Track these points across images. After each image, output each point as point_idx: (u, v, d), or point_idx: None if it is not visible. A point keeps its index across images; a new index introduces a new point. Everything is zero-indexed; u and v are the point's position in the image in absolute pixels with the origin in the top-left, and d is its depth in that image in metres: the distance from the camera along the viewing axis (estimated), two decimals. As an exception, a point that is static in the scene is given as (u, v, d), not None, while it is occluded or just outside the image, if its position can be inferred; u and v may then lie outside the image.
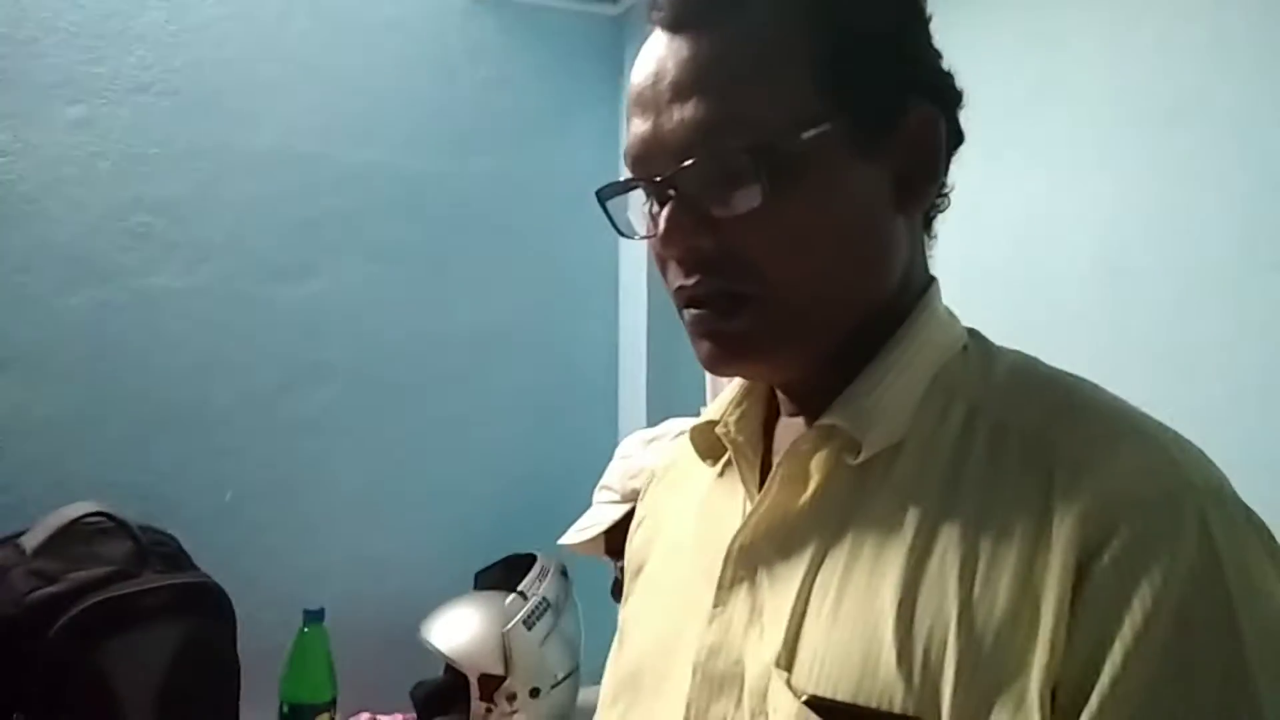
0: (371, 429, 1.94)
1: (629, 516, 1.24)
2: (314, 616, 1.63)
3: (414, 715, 1.76)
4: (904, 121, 0.58)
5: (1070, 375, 0.60)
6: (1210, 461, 0.54)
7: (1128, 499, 0.50)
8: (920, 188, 0.60)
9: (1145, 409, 0.58)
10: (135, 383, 1.77)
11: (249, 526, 1.81)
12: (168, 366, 1.80)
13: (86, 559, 1.35)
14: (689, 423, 1.35)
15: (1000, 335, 0.66)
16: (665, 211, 0.58)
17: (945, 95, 0.62)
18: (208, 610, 1.42)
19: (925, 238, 0.65)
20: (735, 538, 0.61)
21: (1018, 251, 1.40)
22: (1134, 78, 1.28)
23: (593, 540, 1.28)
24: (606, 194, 0.64)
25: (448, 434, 2.01)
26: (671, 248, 0.59)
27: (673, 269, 0.60)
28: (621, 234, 0.65)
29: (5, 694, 1.24)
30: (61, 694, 1.26)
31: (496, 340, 2.08)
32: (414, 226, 2.02)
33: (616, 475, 1.31)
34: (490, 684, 1.67)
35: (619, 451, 1.37)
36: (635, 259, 2.11)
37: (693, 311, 0.60)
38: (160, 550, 1.45)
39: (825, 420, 0.59)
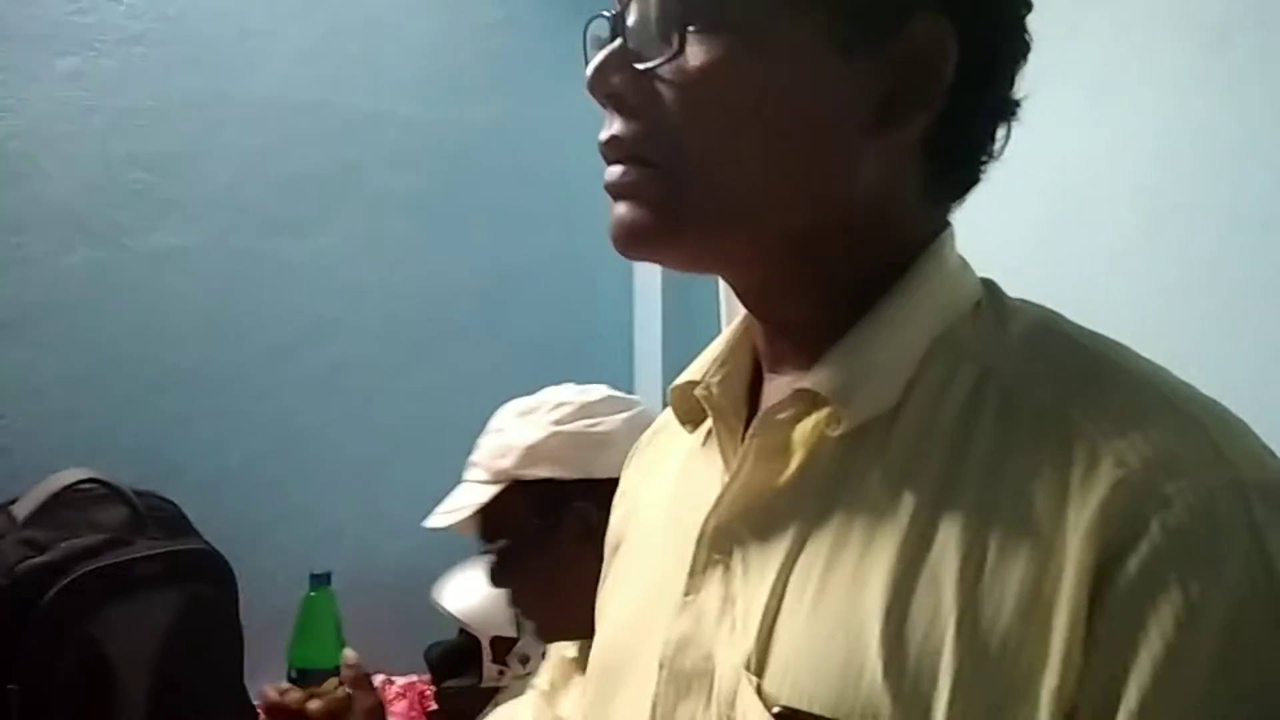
0: (379, 387, 1.90)
1: (499, 498, 1.13)
2: (320, 580, 1.58)
3: (428, 677, 1.74)
4: (903, 34, 0.49)
5: (1097, 335, 0.51)
6: (1262, 445, 0.46)
7: (1159, 491, 0.42)
8: (909, 114, 0.50)
9: (1184, 363, 0.49)
10: (136, 344, 1.73)
11: (255, 489, 1.77)
12: (169, 327, 1.76)
13: (80, 526, 1.32)
14: (568, 391, 1.20)
15: (1031, 285, 0.57)
16: (598, 56, 0.52)
17: (975, 13, 0.51)
18: (206, 577, 1.39)
19: (935, 178, 0.55)
20: (709, 516, 0.54)
21: (1051, 194, 1.30)
22: (1179, -6, 1.17)
23: (466, 521, 1.16)
24: (589, 32, 0.57)
25: (457, 391, 1.96)
26: (594, 89, 0.53)
27: (605, 120, 0.54)
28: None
29: (-1, 665, 1.22)
30: (55, 664, 1.23)
31: (506, 293, 2.02)
32: (418, 176, 1.95)
33: (485, 452, 1.18)
34: (503, 646, 1.64)
35: (491, 423, 1.23)
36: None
37: (608, 171, 0.54)
38: (157, 516, 1.41)
39: (802, 384, 0.51)
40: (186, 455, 1.71)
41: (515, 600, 1.19)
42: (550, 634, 1.19)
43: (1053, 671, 0.41)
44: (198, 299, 1.78)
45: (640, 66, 0.51)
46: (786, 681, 0.47)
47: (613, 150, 0.53)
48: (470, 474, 1.20)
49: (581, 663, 1.16)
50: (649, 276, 2.03)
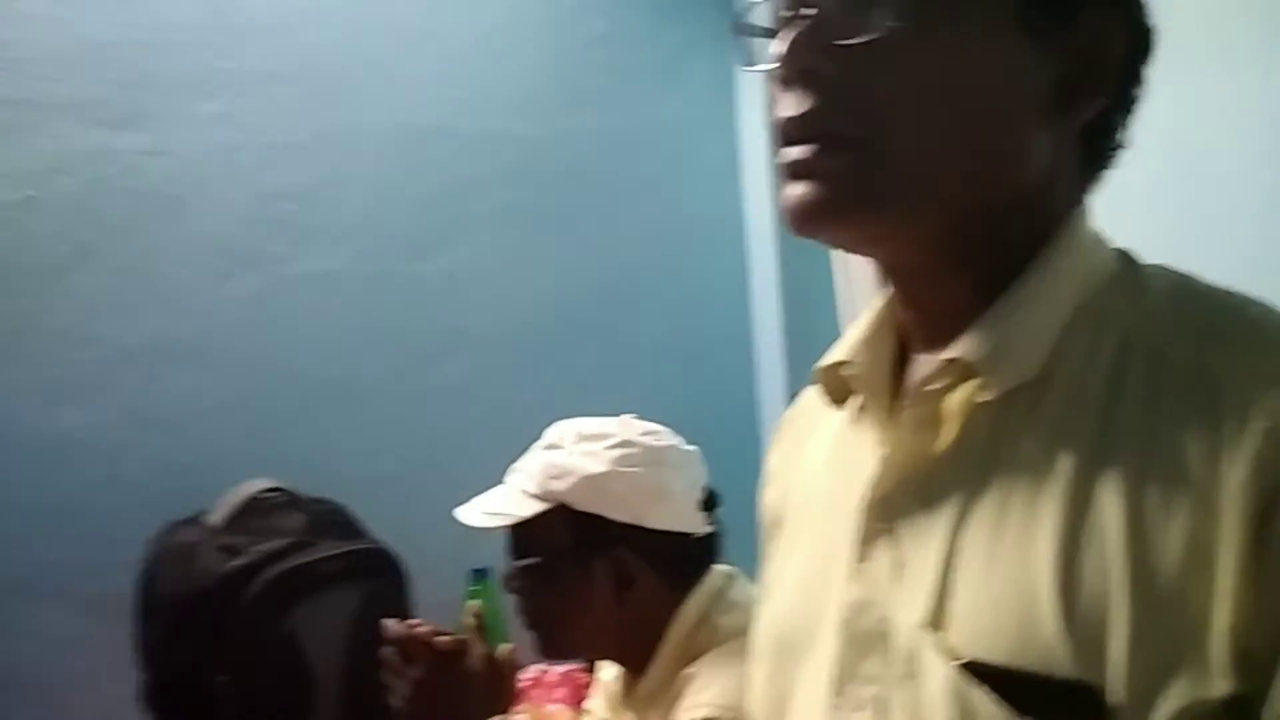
0: (513, 390, 1.99)
1: (542, 515, 1.11)
2: (480, 574, 1.69)
3: (585, 666, 1.81)
4: (1079, 22, 0.54)
5: (1233, 292, 0.54)
6: None
7: None
8: (1081, 99, 0.54)
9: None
10: (293, 363, 1.85)
11: (410, 492, 1.87)
12: (321, 346, 1.88)
13: (266, 532, 1.45)
14: (634, 428, 1.16)
15: (1156, 251, 0.60)
16: (792, 31, 0.54)
17: (1136, 10, 0.56)
18: (382, 572, 1.50)
19: (1085, 162, 0.59)
20: (871, 488, 0.58)
21: (1170, 166, 1.29)
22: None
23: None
24: (746, 25, 0.59)
25: (582, 396, 2.02)
26: (788, 67, 0.54)
27: (783, 101, 0.55)
28: (748, 65, 0.60)
29: (208, 659, 1.35)
30: (258, 657, 1.36)
31: (624, 300, 2.09)
32: (534, 190, 2.05)
33: (538, 467, 1.14)
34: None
35: (548, 436, 1.19)
36: (761, 204, 2.07)
37: (789, 150, 0.54)
38: (333, 519, 1.53)
39: (949, 354, 0.55)
40: (345, 463, 1.83)
41: (522, 609, 1.19)
42: (551, 653, 1.20)
43: (1222, 615, 0.44)
44: (344, 319, 1.90)
45: (841, 44, 0.52)
46: (965, 636, 0.51)
47: (801, 127, 0.54)
48: (517, 480, 1.17)
49: (618, 690, 1.18)
50: (766, 272, 2.07)
